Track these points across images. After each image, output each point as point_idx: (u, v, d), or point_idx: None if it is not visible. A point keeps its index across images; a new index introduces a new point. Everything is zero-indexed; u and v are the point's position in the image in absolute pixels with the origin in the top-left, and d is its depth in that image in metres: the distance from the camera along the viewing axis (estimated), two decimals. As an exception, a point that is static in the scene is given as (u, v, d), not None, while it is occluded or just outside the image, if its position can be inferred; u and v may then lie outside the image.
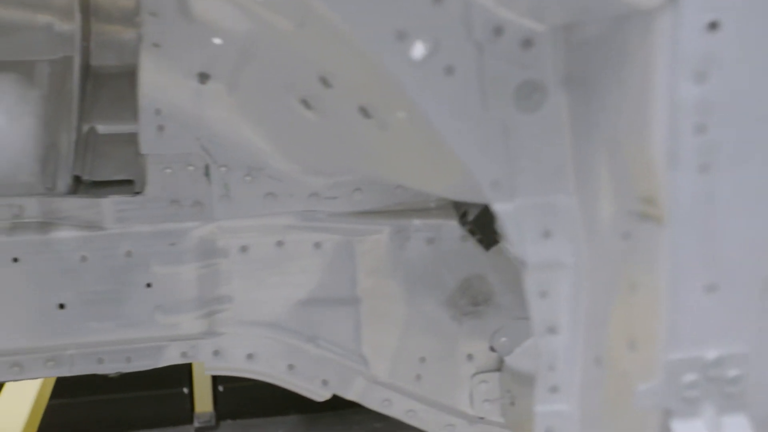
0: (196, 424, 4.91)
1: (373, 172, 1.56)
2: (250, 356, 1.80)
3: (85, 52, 1.66)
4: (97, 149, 1.68)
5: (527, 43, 1.12)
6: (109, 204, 1.64)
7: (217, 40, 1.42)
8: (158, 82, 1.56)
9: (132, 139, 1.72)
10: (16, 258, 1.61)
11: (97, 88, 1.70)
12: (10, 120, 1.67)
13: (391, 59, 1.10)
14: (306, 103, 1.44)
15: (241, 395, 4.91)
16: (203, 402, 4.90)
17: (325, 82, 1.31)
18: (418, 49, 1.10)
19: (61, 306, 1.66)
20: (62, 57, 1.71)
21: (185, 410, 4.92)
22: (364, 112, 1.30)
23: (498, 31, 1.11)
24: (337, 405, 5.05)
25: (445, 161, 1.29)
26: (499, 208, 1.18)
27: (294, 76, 1.39)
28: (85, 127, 1.68)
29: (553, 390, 1.26)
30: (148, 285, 1.68)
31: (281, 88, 1.46)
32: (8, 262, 1.61)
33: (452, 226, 1.76)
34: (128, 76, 1.75)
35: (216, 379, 4.91)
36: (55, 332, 1.67)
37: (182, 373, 4.79)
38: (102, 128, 1.70)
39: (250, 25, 1.29)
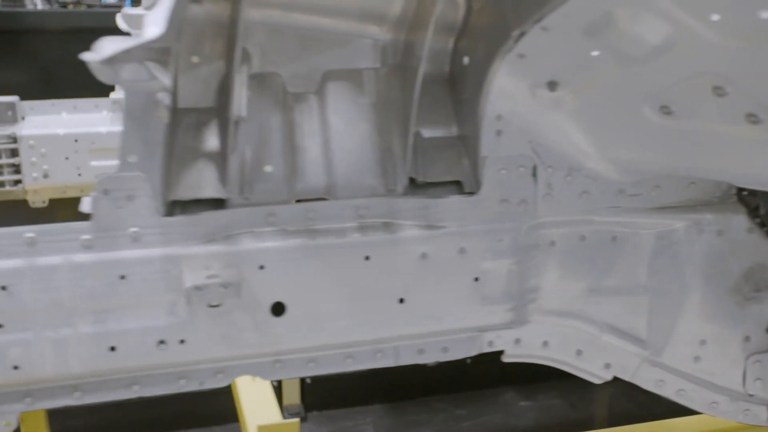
0: (284, 415, 4.98)
1: (708, 170, 1.69)
2: (545, 344, 1.93)
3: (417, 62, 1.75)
4: (424, 152, 1.78)
5: None
6: (448, 204, 1.75)
7: (595, 52, 1.53)
8: (506, 89, 1.67)
9: (452, 142, 1.83)
10: (367, 256, 1.71)
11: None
12: (348, 126, 1.76)
13: None
14: (665, 109, 1.57)
15: (327, 387, 5.01)
16: (291, 394, 4.98)
17: (719, 91, 1.44)
18: None
19: (401, 300, 1.76)
20: (386, 66, 1.80)
21: (274, 403, 4.98)
22: (753, 117, 1.44)
23: None
24: (420, 393, 5.19)
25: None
26: None
27: (670, 84, 1.51)
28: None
29: None
30: (476, 279, 1.79)
31: (639, 95, 1.58)
32: (360, 261, 1.71)
33: (740, 219, 1.91)
34: (441, 83, 1.85)
35: (303, 372, 4.97)
36: (392, 325, 1.77)
37: (270, 367, 4.87)
38: (425, 132, 1.81)
39: (665, 39, 1.41)
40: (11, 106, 3.14)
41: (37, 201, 3.27)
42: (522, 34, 1.55)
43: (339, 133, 1.75)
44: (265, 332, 1.69)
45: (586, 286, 1.91)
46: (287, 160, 1.71)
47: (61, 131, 3.14)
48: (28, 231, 1.54)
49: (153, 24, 1.35)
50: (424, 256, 1.75)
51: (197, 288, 1.57)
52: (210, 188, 1.65)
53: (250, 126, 1.69)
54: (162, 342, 1.64)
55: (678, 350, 1.99)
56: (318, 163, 1.74)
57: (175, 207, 1.65)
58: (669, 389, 2.03)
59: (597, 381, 2.01)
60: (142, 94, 1.53)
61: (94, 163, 3.19)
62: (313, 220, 1.69)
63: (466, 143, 1.80)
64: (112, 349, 1.62)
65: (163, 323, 1.63)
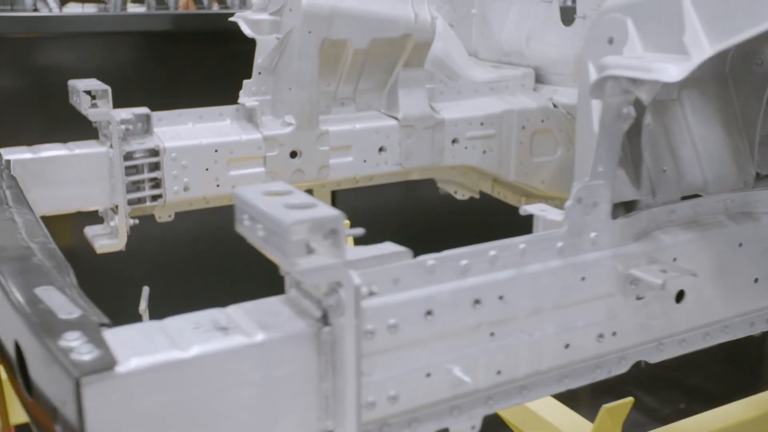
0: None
1: None
2: None
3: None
4: (759, 149, 2.03)
5: None
6: None
7: None
8: None
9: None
10: (740, 243, 1.93)
11: None
12: (705, 128, 1.97)
13: None
14: None
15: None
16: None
17: None
18: None
19: (756, 280, 2.00)
20: (719, 73, 2.02)
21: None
22: None
23: None
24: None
25: None
26: None
27: None
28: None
29: None
30: None
31: None
32: (736, 248, 1.93)
33: None
34: None
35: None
36: (746, 303, 2.01)
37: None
38: (754, 132, 2.05)
39: None
40: (145, 118, 2.98)
41: (164, 215, 3.13)
42: None
43: (701, 135, 1.95)
44: (667, 318, 1.87)
45: None
46: (672, 161, 1.89)
47: (202, 142, 3.03)
48: (520, 242, 1.62)
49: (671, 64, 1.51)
50: (779, 239, 2.00)
51: (650, 284, 1.71)
52: (628, 192, 1.81)
53: (645, 132, 1.86)
54: (600, 336, 1.77)
55: None
56: (692, 162, 1.93)
57: None
58: None
59: None
60: (613, 108, 1.66)
61: (232, 173, 3.10)
62: (699, 214, 1.89)
63: None
64: (567, 346, 1.73)
65: (603, 318, 1.76)
